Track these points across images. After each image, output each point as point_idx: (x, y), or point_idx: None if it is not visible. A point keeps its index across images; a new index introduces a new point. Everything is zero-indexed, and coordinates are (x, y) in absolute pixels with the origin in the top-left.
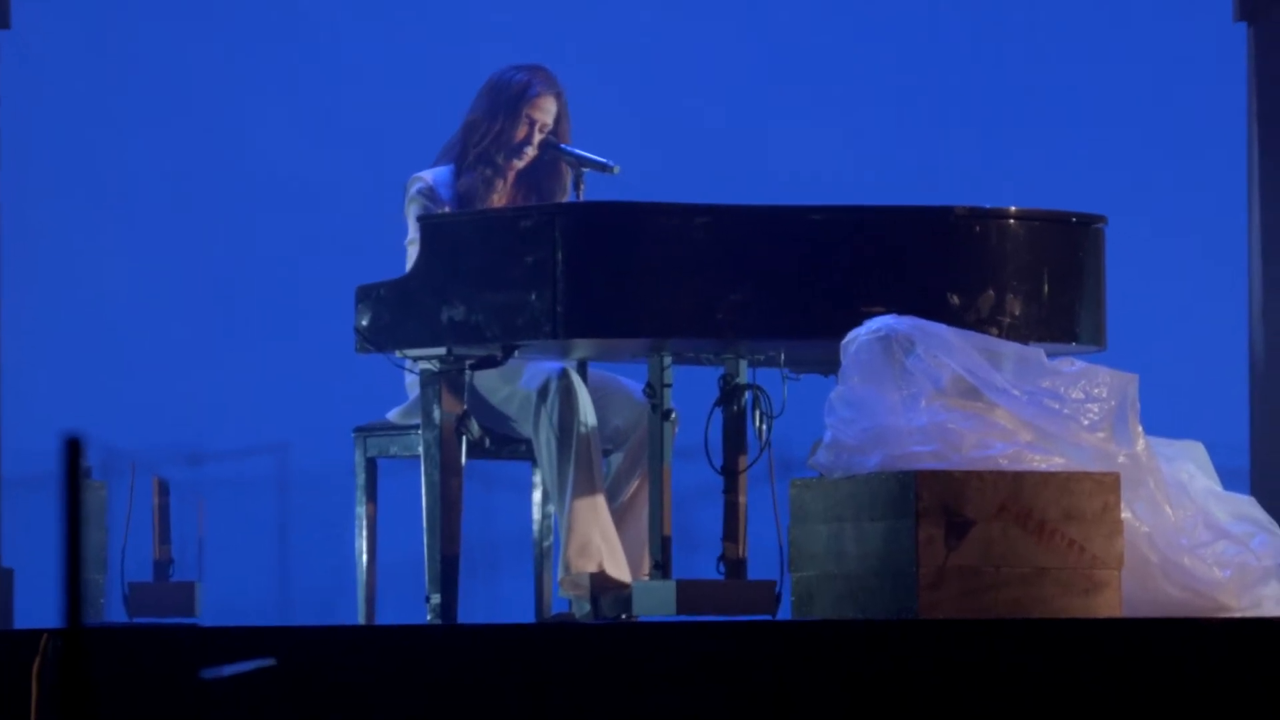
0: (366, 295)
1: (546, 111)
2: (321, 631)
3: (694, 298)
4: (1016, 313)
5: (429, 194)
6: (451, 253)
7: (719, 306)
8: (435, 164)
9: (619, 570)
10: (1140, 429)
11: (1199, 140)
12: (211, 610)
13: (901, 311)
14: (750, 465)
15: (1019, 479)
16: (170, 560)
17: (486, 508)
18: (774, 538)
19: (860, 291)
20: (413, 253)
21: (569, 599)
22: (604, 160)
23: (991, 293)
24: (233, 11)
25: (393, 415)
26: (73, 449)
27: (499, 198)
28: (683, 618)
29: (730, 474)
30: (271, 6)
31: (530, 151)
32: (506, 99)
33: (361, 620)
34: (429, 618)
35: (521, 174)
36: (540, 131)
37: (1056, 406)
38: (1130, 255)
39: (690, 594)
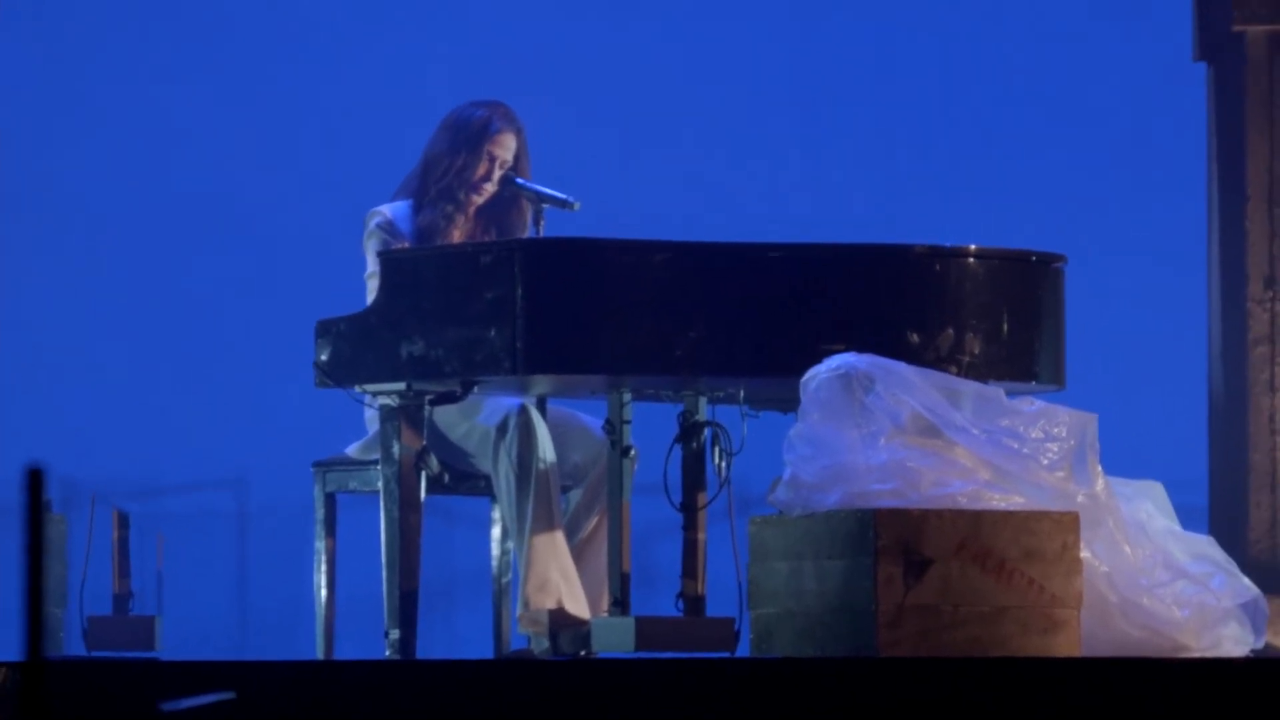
0: (326, 330)
1: (507, 148)
2: (280, 666)
3: (653, 334)
4: (976, 351)
5: (388, 228)
6: (411, 288)
7: (678, 343)
8: (394, 198)
9: (578, 607)
10: (1099, 468)
11: (1158, 179)
12: (171, 644)
13: (861, 349)
14: (709, 502)
15: (978, 518)
16: (130, 594)
17: (446, 543)
18: (733, 575)
19: (820, 329)
20: (372, 287)
21: (528, 635)
22: (564, 196)
23: (951, 331)
24: (196, 44)
25: (352, 450)
26: (34, 480)
27: (459, 233)
28: (642, 654)
29: (689, 511)
30: (235, 40)
31: (490, 187)
32: (467, 135)
33: (320, 655)
34: (388, 653)
35: (481, 209)
36: (501, 168)
37: (1016, 445)
38: (1089, 293)
39: (649, 631)
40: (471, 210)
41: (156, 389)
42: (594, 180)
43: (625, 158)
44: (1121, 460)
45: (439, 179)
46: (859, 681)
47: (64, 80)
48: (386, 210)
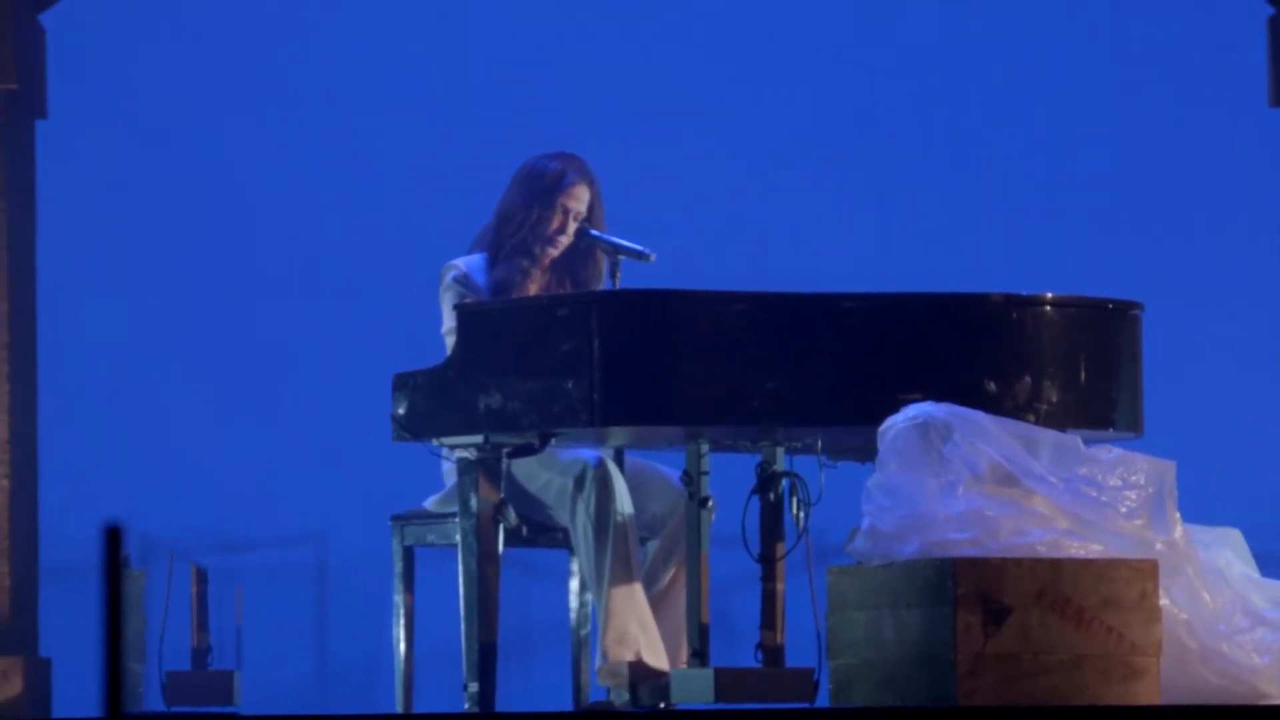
0: (403, 384)
1: (581, 200)
2: (360, 719)
3: (730, 385)
4: (1054, 399)
5: (464, 281)
6: (488, 340)
7: (755, 394)
8: (469, 251)
9: (657, 659)
10: (1178, 516)
11: (1236, 225)
12: (250, 699)
13: (938, 398)
14: (788, 553)
15: (1057, 566)
16: (208, 648)
17: (524, 596)
18: (812, 625)
19: (897, 379)
20: (450, 343)
21: (607, 688)
22: (640, 248)
23: (1028, 379)
24: (271, 91)
25: (430, 503)
26: (113, 537)
27: (534, 286)
28: (721, 705)
29: (768, 561)
30: (312, 89)
31: (565, 240)
32: (541, 189)
33: (399, 708)
34: (466, 706)
35: (556, 261)
36: (575, 220)
37: (1094, 494)
38: (1168, 340)
39: (728, 682)
40: (546, 263)
41: (235, 444)
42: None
43: (699, 207)
44: (1200, 507)
45: (513, 233)
46: None
47: (145, 140)
48: (461, 264)
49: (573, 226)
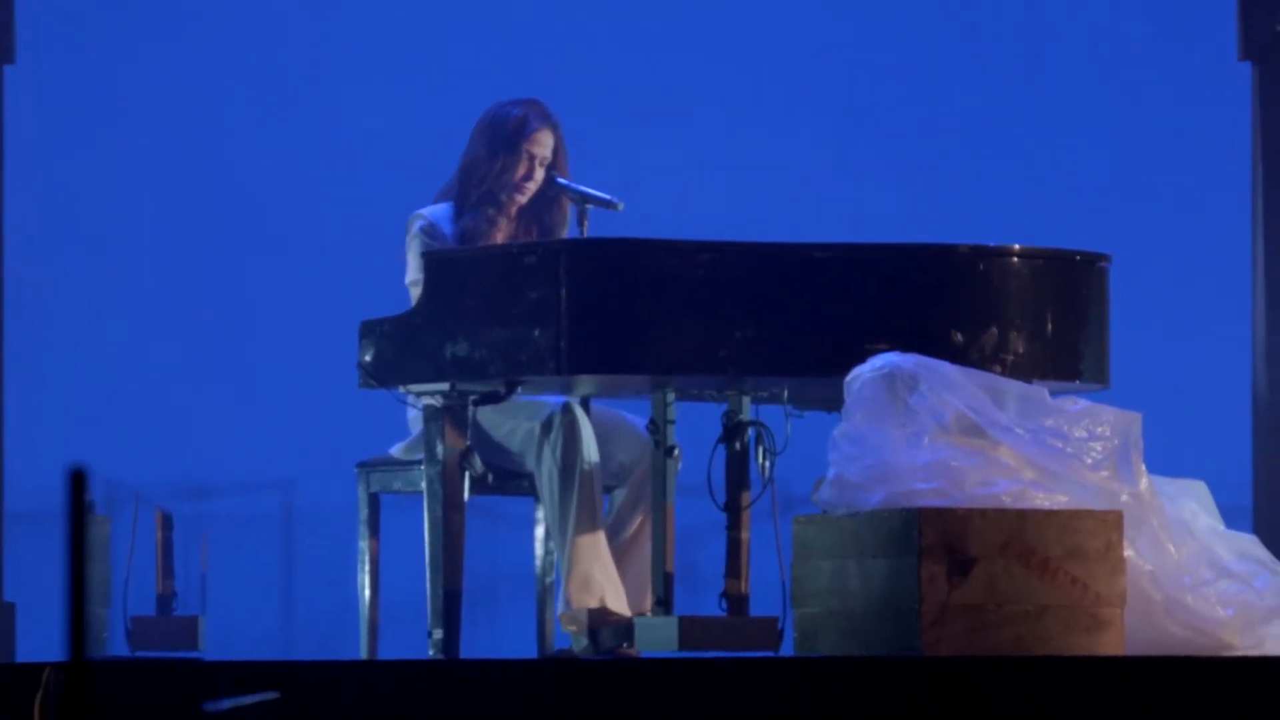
0: (370, 331)
1: (545, 145)
2: (324, 666)
3: (698, 334)
4: (1020, 350)
5: (430, 231)
6: (456, 288)
7: (723, 343)
8: (435, 201)
9: (620, 605)
10: (1143, 467)
11: (1203, 177)
12: (214, 644)
13: (905, 349)
14: (753, 502)
15: (1022, 517)
16: (173, 594)
17: (489, 543)
18: (777, 574)
19: (864, 329)
20: (415, 292)
21: (570, 634)
22: (608, 197)
23: (995, 330)
24: (234, 47)
25: (396, 450)
26: (77, 481)
27: (501, 235)
28: (685, 654)
29: (733, 511)
30: (270, 43)
31: (533, 186)
32: (504, 136)
33: (364, 655)
34: (431, 653)
35: (523, 208)
36: (541, 165)
37: (1060, 445)
38: (1134, 293)
39: (692, 630)
40: (514, 211)
41: (200, 390)
42: (638, 178)
43: (669, 156)
44: (1165, 459)
45: (479, 183)
46: (902, 681)
47: (105, 86)
48: (427, 213)
49: (540, 172)
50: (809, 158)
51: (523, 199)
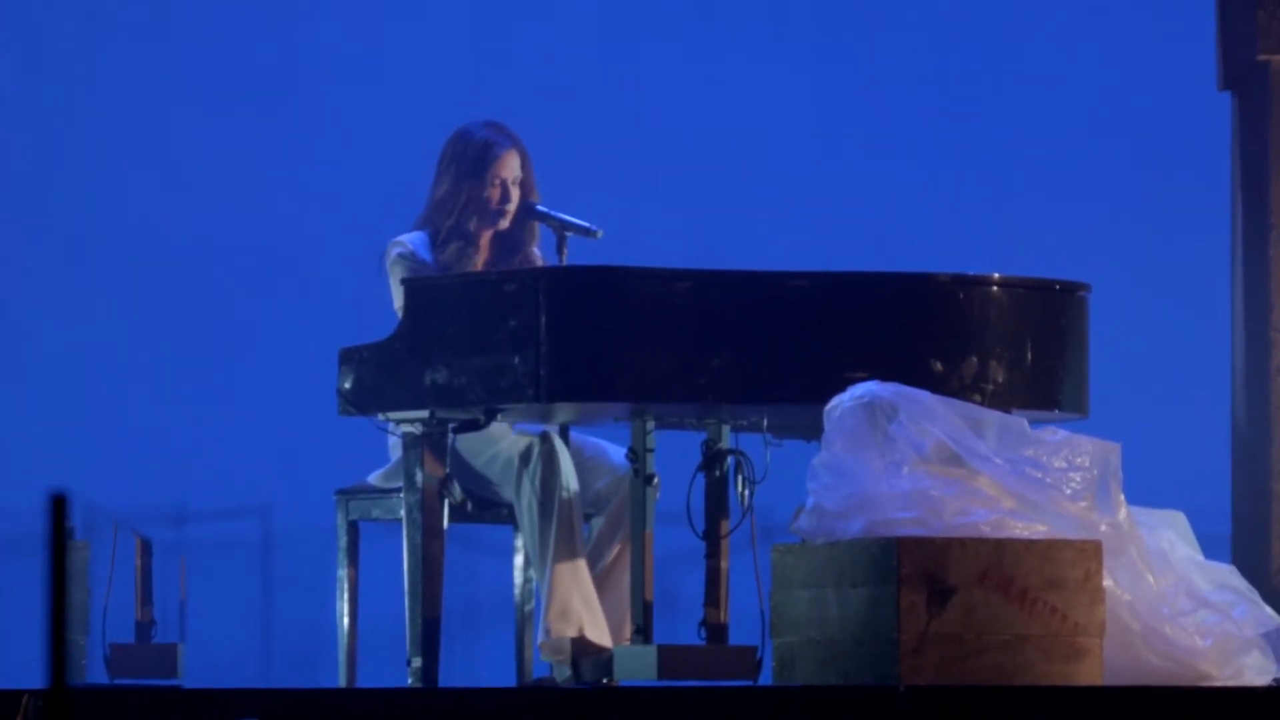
0: (349, 358)
1: (512, 168)
2: (302, 694)
3: (677, 362)
4: (999, 380)
5: (410, 257)
6: (435, 315)
7: (702, 371)
8: (413, 229)
9: (600, 635)
10: (1122, 498)
11: (1183, 208)
12: (193, 671)
13: (885, 378)
14: (732, 530)
15: (1001, 546)
16: (152, 621)
17: (468, 571)
18: (756, 603)
19: (843, 358)
20: None
21: (550, 663)
22: (587, 225)
23: (974, 360)
24: (221, 73)
25: (374, 478)
26: (58, 507)
27: (478, 263)
28: (664, 683)
29: (712, 539)
30: (258, 67)
31: (511, 208)
32: (470, 164)
33: (342, 682)
34: (410, 680)
35: (496, 232)
36: (514, 185)
37: (1039, 475)
38: (1113, 322)
39: (672, 659)
40: (489, 237)
41: (180, 416)
42: (618, 206)
43: (649, 184)
44: (1144, 489)
45: (447, 217)
46: (881, 710)
47: (89, 103)
48: (406, 240)
49: (516, 192)
50: (787, 182)
51: (505, 224)
